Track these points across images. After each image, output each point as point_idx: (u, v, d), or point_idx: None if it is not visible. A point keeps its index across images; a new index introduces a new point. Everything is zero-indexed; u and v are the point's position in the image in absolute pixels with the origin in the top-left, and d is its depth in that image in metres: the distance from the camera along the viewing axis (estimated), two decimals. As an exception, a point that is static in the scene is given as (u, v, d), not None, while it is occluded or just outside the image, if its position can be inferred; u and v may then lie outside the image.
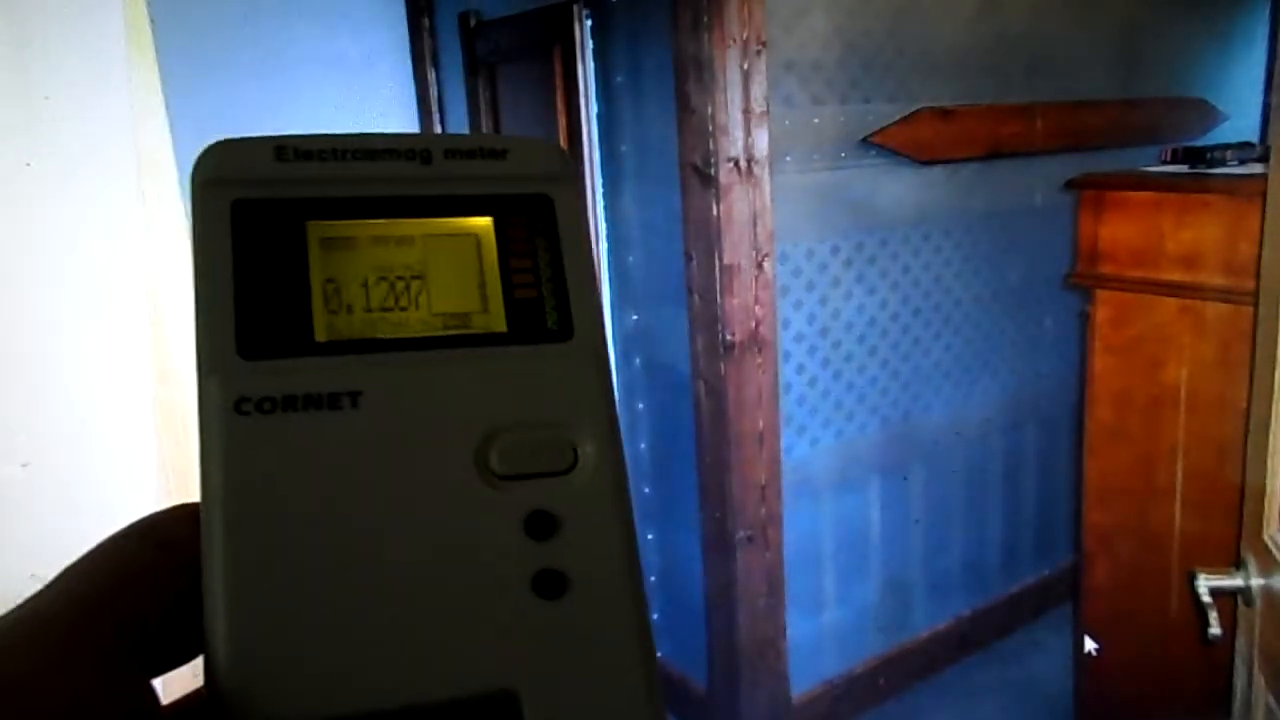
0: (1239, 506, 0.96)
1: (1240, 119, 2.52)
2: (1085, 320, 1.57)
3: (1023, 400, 2.32)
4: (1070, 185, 1.60)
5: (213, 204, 0.23)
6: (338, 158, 0.24)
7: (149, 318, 0.99)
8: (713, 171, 1.74)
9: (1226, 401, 1.34)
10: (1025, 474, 2.38)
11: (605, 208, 2.05)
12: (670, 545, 2.11)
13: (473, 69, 2.42)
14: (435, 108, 2.61)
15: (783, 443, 1.91)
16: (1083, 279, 1.55)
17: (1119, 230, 1.49)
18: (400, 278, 0.24)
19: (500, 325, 0.24)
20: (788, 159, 1.83)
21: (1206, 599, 0.89)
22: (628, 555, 0.23)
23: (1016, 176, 2.18)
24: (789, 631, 1.99)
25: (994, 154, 2.12)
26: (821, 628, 2.08)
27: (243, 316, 0.23)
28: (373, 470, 0.22)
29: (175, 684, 0.23)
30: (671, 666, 2.12)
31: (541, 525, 0.22)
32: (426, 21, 2.56)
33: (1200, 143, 2.12)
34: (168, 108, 1.03)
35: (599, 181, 2.04)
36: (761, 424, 1.87)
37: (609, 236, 2.07)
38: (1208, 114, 2.52)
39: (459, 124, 2.53)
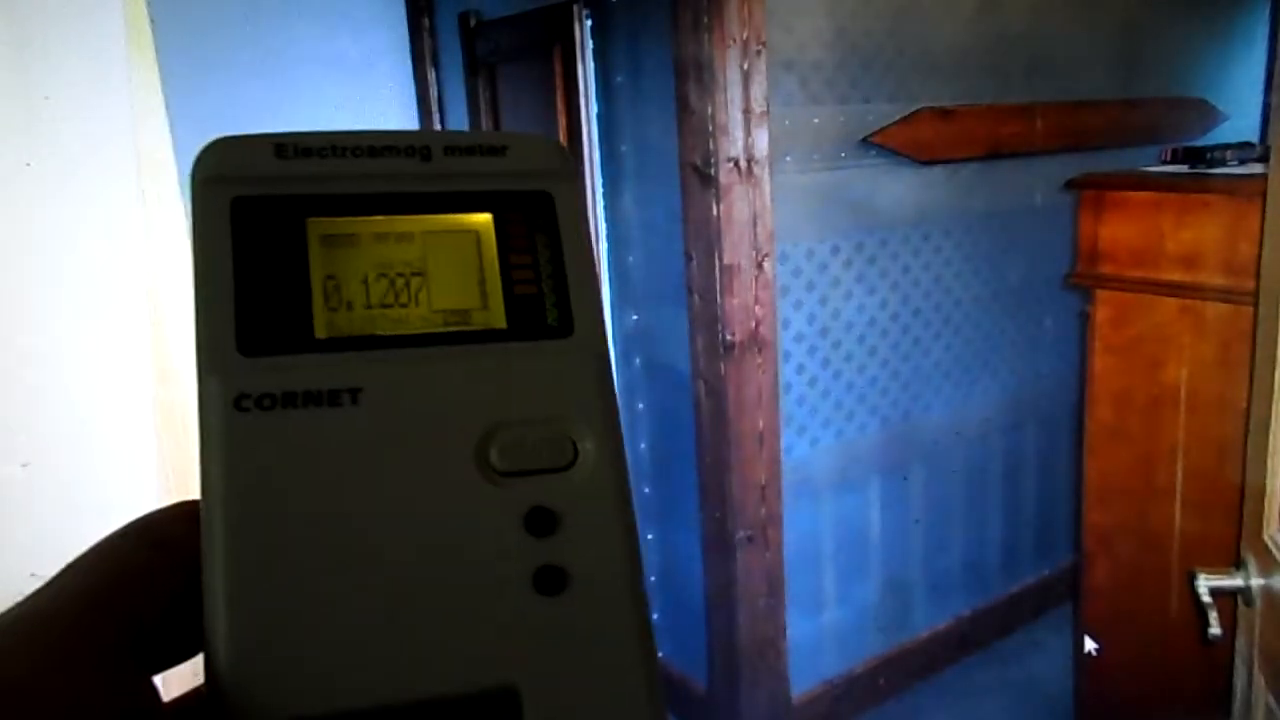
0: (1239, 506, 0.96)
1: (1240, 119, 2.52)
2: (1085, 320, 1.57)
3: (1023, 400, 2.32)
4: (1070, 185, 1.60)
5: (213, 201, 0.23)
6: (338, 154, 0.24)
7: (149, 318, 0.99)
8: (713, 171, 1.74)
9: (1226, 401, 1.34)
10: (1025, 474, 2.38)
11: (605, 208, 2.05)
12: (670, 545, 2.11)
13: (473, 69, 2.42)
14: (435, 108, 2.61)
15: (783, 443, 1.91)
16: (1083, 279, 1.55)
17: (1119, 230, 1.49)
18: (400, 274, 0.24)
19: (500, 322, 0.24)
20: (788, 159, 1.83)
21: (1206, 599, 0.89)
22: (628, 551, 0.23)
23: (1016, 176, 2.18)
24: (789, 631, 1.99)
25: (994, 154, 2.12)
26: (821, 628, 2.08)
27: (243, 313, 0.23)
28: (373, 467, 0.22)
29: (175, 682, 0.23)
30: (671, 666, 2.12)
31: (542, 521, 0.22)
32: (426, 21, 2.56)
33: (1200, 143, 2.12)
34: (168, 107, 1.03)
35: (599, 181, 2.04)
36: (761, 424, 1.87)
37: (609, 236, 2.07)
38: (1208, 114, 2.52)
39: (459, 124, 2.53)
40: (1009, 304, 2.24)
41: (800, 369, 1.94)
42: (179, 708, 0.22)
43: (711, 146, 1.74)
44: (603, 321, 0.25)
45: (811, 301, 1.92)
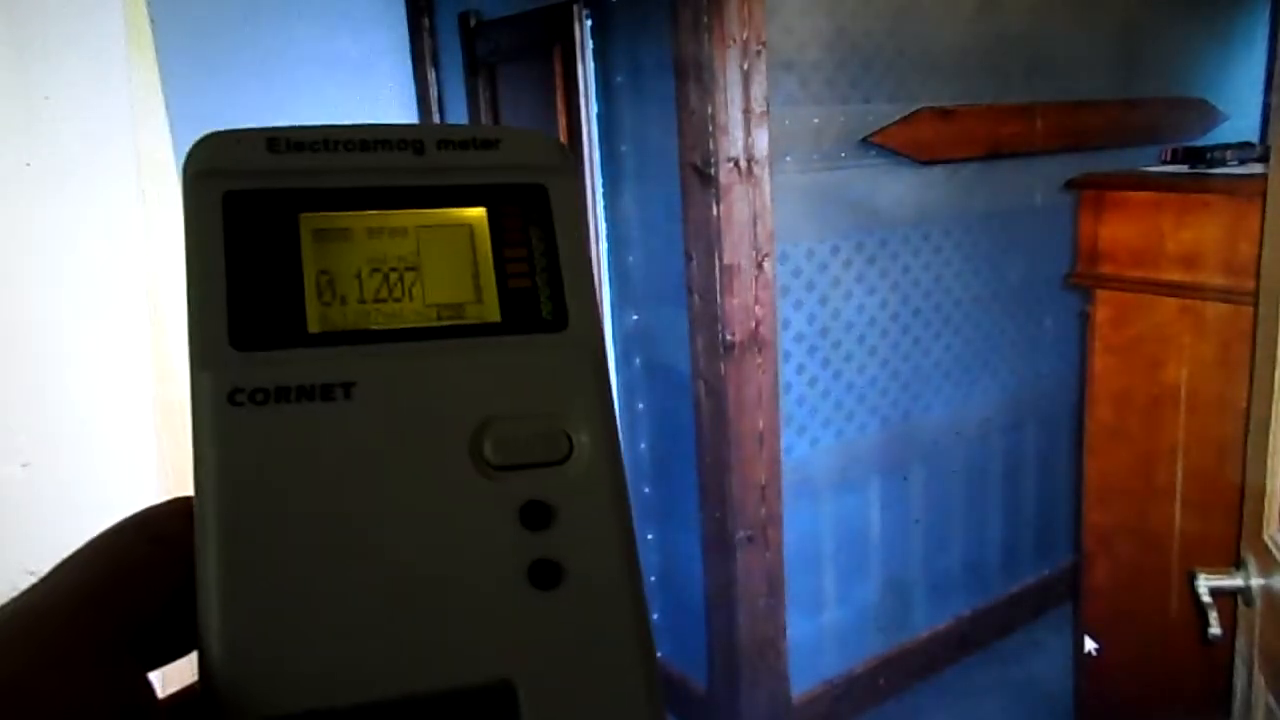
0: (1239, 506, 0.96)
1: (1240, 119, 2.52)
2: (1085, 320, 1.57)
3: (1023, 400, 2.32)
4: (1070, 185, 1.60)
5: (205, 195, 0.23)
6: (330, 149, 0.24)
7: (149, 317, 0.99)
8: (713, 171, 1.74)
9: (1226, 401, 1.34)
10: (1025, 474, 2.38)
11: (605, 207, 2.05)
12: (670, 545, 2.11)
13: (473, 69, 2.42)
14: (435, 108, 2.61)
15: (783, 443, 1.91)
16: (1083, 279, 1.55)
17: (1119, 230, 1.49)
18: (394, 269, 0.24)
19: (494, 315, 0.24)
20: (788, 159, 1.83)
21: (1206, 599, 0.89)
22: (624, 545, 0.23)
23: (1016, 176, 2.18)
24: (789, 631, 1.99)
25: (994, 154, 2.12)
26: (821, 628, 2.08)
27: (235, 308, 0.22)
28: (366, 461, 0.22)
29: (173, 679, 0.23)
30: (671, 666, 2.12)
31: (536, 515, 0.22)
32: (426, 21, 2.56)
33: (1200, 143, 2.12)
34: (168, 107, 1.03)
35: (599, 181, 2.04)
36: (761, 424, 1.87)
37: (609, 236, 2.07)
38: (1208, 114, 2.52)
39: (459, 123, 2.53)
40: (1009, 304, 2.24)
41: (800, 369, 1.94)
42: (174, 704, 0.22)
43: (711, 146, 1.74)
44: (598, 315, 0.25)
45: (811, 301, 1.92)
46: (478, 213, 0.25)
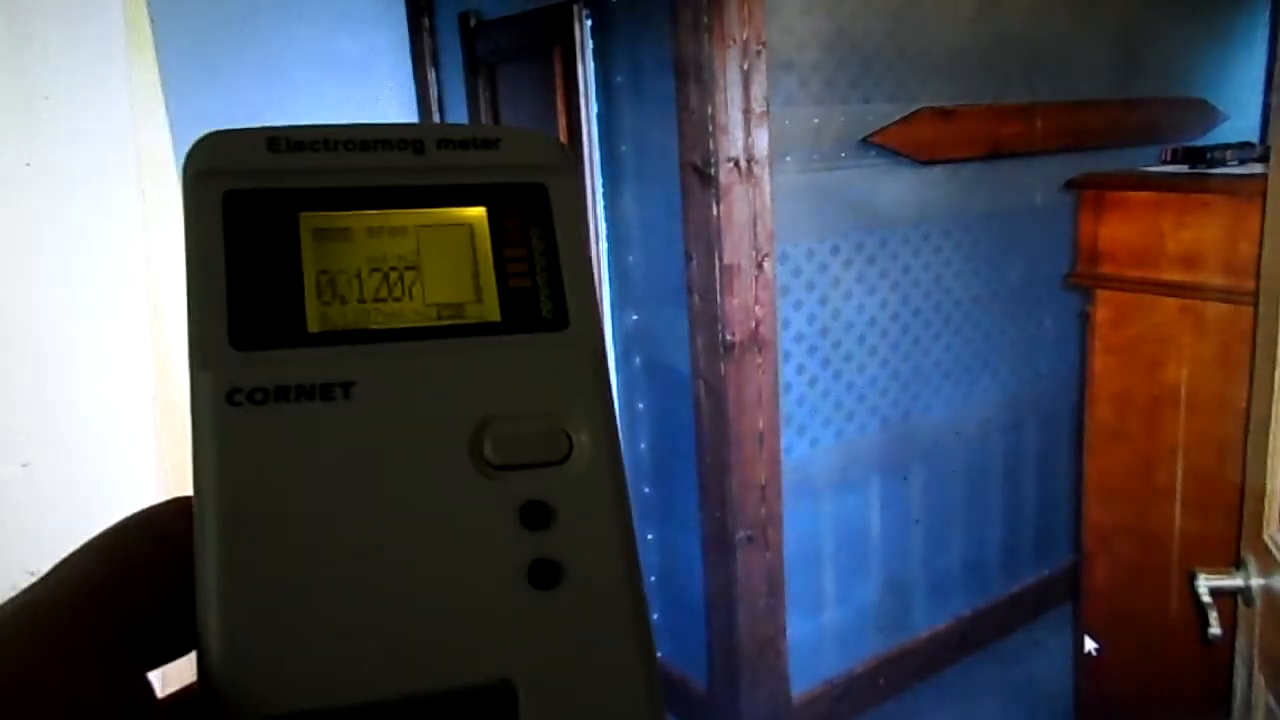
0: (1239, 506, 0.96)
1: (1240, 119, 2.52)
2: (1085, 320, 1.57)
3: (1023, 400, 2.32)
4: (1070, 185, 1.60)
5: (205, 195, 0.23)
6: (330, 149, 0.24)
7: (149, 317, 0.99)
8: (713, 171, 1.74)
9: (1226, 401, 1.34)
10: (1025, 474, 2.38)
11: (605, 207, 2.05)
12: (670, 545, 2.11)
13: (473, 69, 2.42)
14: (435, 108, 2.60)
15: (783, 443, 1.91)
16: (1083, 279, 1.55)
17: (1119, 230, 1.49)
18: (394, 268, 0.24)
19: (494, 315, 0.24)
20: (788, 159, 1.83)
21: (1206, 599, 0.89)
22: (623, 544, 0.23)
23: (1016, 176, 2.18)
24: (789, 631, 1.99)
25: (994, 154, 2.12)
26: (821, 628, 2.08)
27: (235, 308, 0.22)
28: (366, 461, 0.22)
29: (173, 679, 0.23)
30: (671, 666, 2.12)
31: (536, 515, 0.22)
32: (426, 21, 2.56)
33: (1200, 143, 2.12)
34: (168, 108, 1.03)
35: (599, 181, 2.04)
36: (761, 424, 1.87)
37: (609, 236, 2.07)
38: (1208, 114, 2.52)
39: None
40: (1009, 304, 2.24)
41: (800, 369, 1.94)
42: (174, 703, 0.22)
43: (711, 146, 1.74)
44: (598, 314, 0.25)
45: (811, 301, 1.92)
46: (478, 212, 0.25)
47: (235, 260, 0.23)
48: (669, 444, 2.07)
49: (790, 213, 1.85)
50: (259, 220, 0.23)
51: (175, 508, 0.22)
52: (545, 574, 0.22)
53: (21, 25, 0.90)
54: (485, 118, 2.41)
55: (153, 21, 1.01)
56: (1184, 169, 1.58)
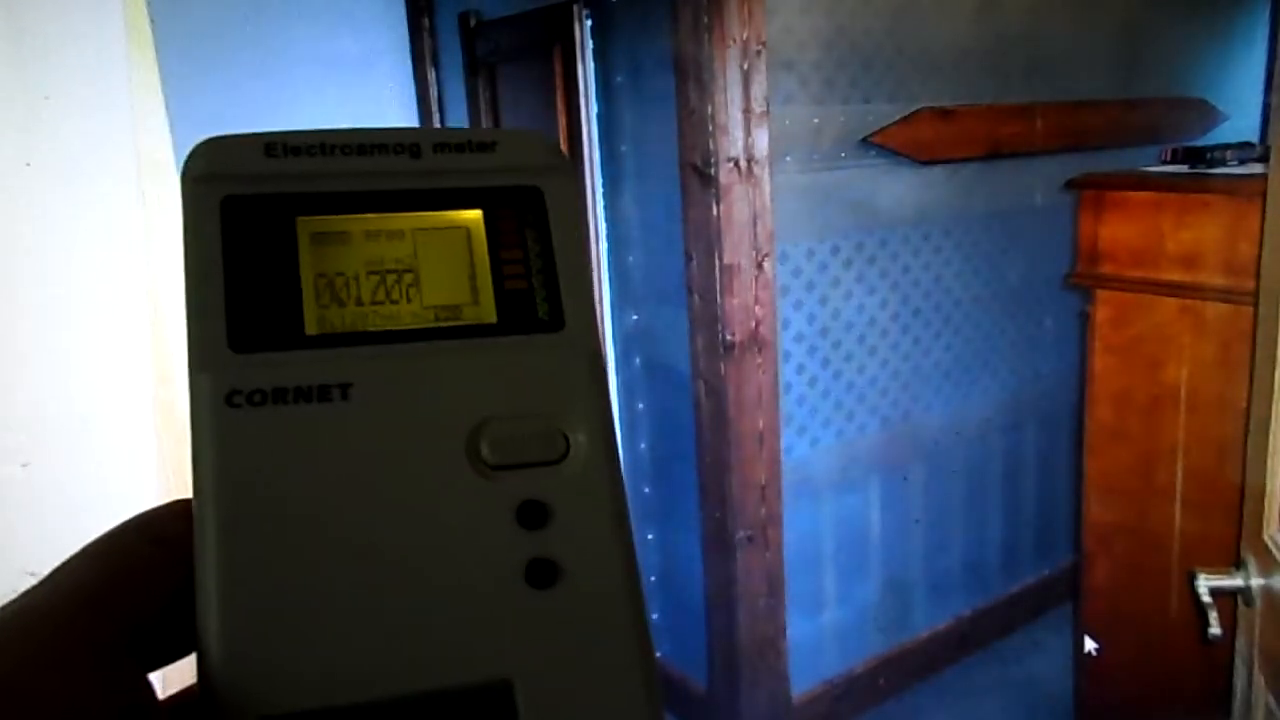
0: (1239, 506, 0.96)
1: (1240, 119, 2.52)
2: (1085, 320, 1.57)
3: (1023, 400, 2.32)
4: (1070, 185, 1.60)
5: (203, 200, 0.23)
6: (327, 153, 0.24)
7: (149, 318, 0.99)
8: (713, 171, 1.74)
9: (1226, 401, 1.34)
10: (1025, 474, 2.38)
11: (605, 208, 2.05)
12: (670, 545, 2.11)
13: (473, 69, 2.42)
14: (435, 108, 2.61)
15: (783, 443, 1.91)
16: (1083, 279, 1.55)
17: (1119, 230, 1.49)
18: (391, 271, 0.24)
19: (490, 316, 0.24)
20: (788, 159, 1.83)
21: (1206, 599, 0.89)
22: (620, 543, 0.23)
23: (1016, 176, 2.18)
24: (789, 631, 1.99)
25: (994, 154, 2.12)
26: (821, 628, 2.08)
27: (233, 311, 0.23)
28: (364, 461, 0.22)
29: (173, 680, 0.23)
30: (671, 666, 2.12)
31: (533, 515, 0.22)
32: (426, 21, 2.56)
33: (1200, 143, 2.12)
34: (168, 108, 1.03)
35: (599, 181, 2.04)
36: (761, 424, 1.87)
37: (609, 236, 2.07)
38: (1208, 114, 2.52)
39: (459, 124, 2.53)
40: (1009, 304, 2.24)
41: (800, 369, 1.94)
42: (174, 705, 0.22)
43: (711, 146, 1.74)
44: (595, 316, 0.25)
45: (811, 301, 1.92)
46: (474, 215, 0.25)
47: (234, 264, 0.23)
48: (669, 444, 2.07)
49: (790, 213, 1.85)
50: (257, 224, 0.24)
51: (175, 510, 0.22)
52: (542, 573, 0.22)
53: (21, 25, 0.90)
54: (485, 118, 2.41)
55: (153, 21, 1.01)
56: (1184, 169, 1.58)
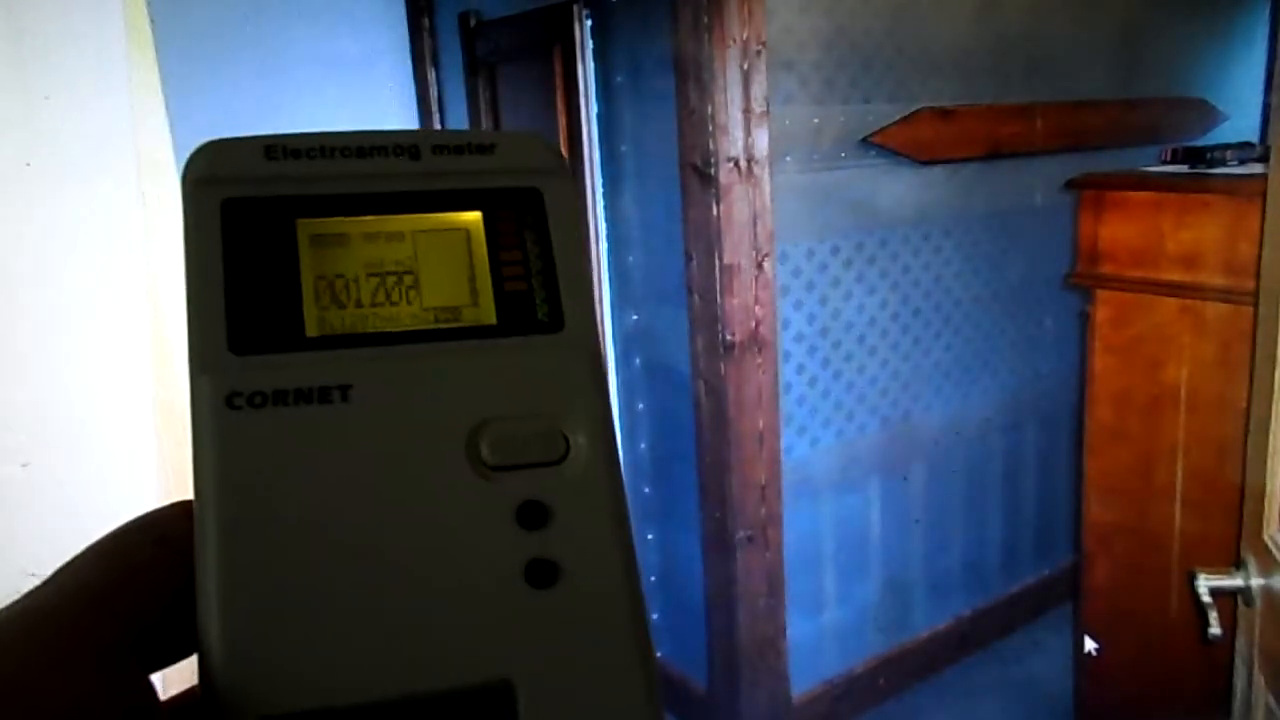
0: (1239, 506, 0.96)
1: (1240, 119, 2.52)
2: (1085, 320, 1.57)
3: (1023, 400, 2.32)
4: (1070, 185, 1.60)
5: (204, 203, 0.24)
6: (327, 155, 0.25)
7: (149, 318, 0.99)
8: (713, 171, 1.74)
9: (1226, 401, 1.34)
10: (1025, 474, 2.38)
11: (605, 208, 2.05)
12: (670, 545, 2.11)
13: (473, 69, 2.42)
14: (435, 108, 2.61)
15: (783, 443, 1.91)
16: (1083, 279, 1.55)
17: (1119, 230, 1.49)
18: (391, 273, 0.24)
19: (490, 318, 0.24)
20: (788, 159, 1.83)
21: (1206, 599, 0.89)
22: (620, 544, 0.23)
23: (1016, 176, 2.18)
24: (789, 631, 1.99)
25: (994, 154, 2.12)
26: (821, 628, 2.08)
27: (234, 313, 0.23)
28: (364, 463, 0.22)
29: (174, 684, 0.23)
30: (671, 666, 2.12)
31: (533, 515, 0.23)
32: (426, 21, 2.56)
33: (1200, 143, 2.12)
34: (168, 108, 1.03)
35: (599, 181, 2.04)
36: (761, 424, 1.87)
37: (609, 236, 2.07)
38: (1208, 114, 2.52)
39: (459, 124, 2.53)
40: (1009, 304, 2.24)
41: (800, 369, 1.94)
42: (176, 706, 0.22)
43: (711, 146, 1.74)
44: (595, 317, 0.25)
45: (811, 301, 1.92)
46: (473, 217, 0.25)
47: (234, 266, 0.23)
48: (669, 444, 2.07)
49: (790, 213, 1.85)
50: (257, 227, 0.24)
51: (177, 511, 0.22)
52: (542, 573, 0.22)
53: (21, 25, 0.90)
54: (485, 118, 2.41)
55: (153, 21, 1.01)
56: (1184, 169, 1.58)
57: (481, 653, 0.21)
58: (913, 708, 2.18)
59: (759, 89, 1.75)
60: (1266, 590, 0.88)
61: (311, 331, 0.23)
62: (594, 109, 2.00)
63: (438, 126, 2.62)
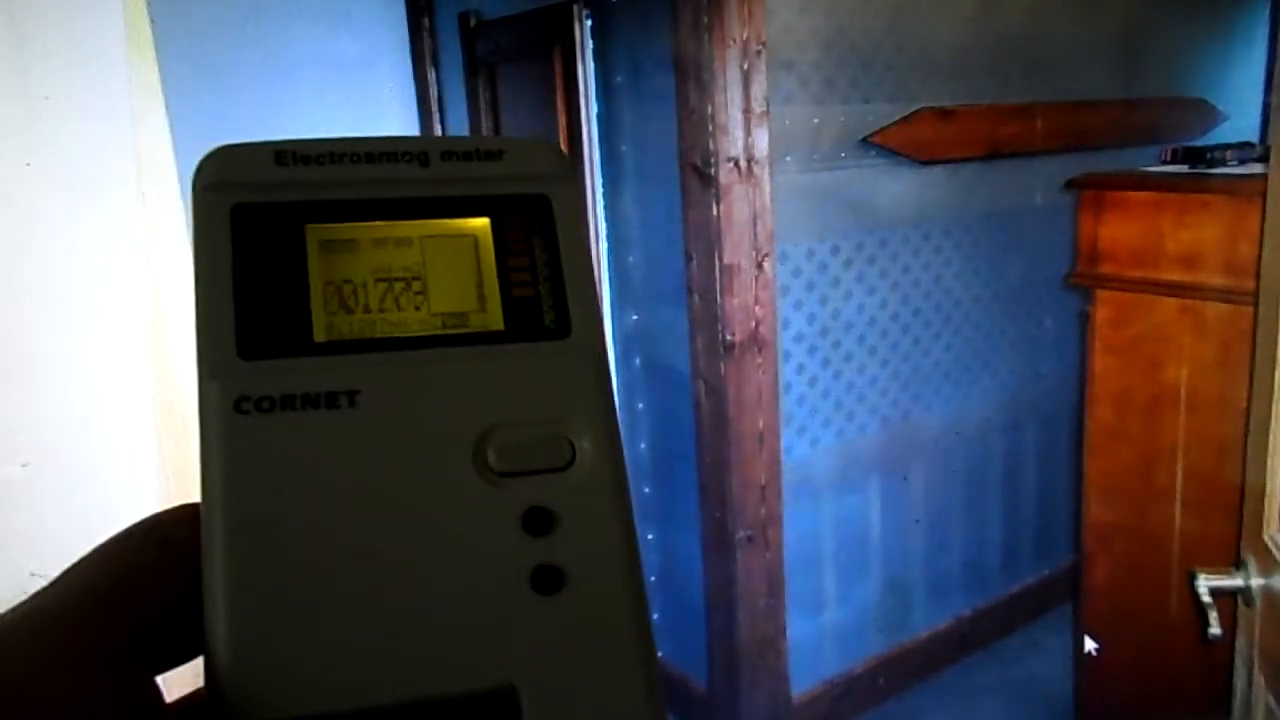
0: (1239, 506, 0.96)
1: (1240, 119, 2.52)
2: (1085, 320, 1.57)
3: (1023, 400, 2.32)
4: (1070, 185, 1.60)
5: (213, 208, 0.24)
6: (336, 161, 0.25)
7: (149, 318, 0.99)
8: (713, 171, 1.74)
9: (1226, 401, 1.34)
10: (1025, 474, 2.38)
11: (605, 208, 2.05)
12: (670, 545, 2.11)
13: (473, 69, 2.42)
14: (435, 108, 2.61)
15: (783, 443, 1.91)
16: (1083, 279, 1.55)
17: (1119, 230, 1.49)
18: (399, 279, 0.24)
19: (498, 324, 0.24)
20: (788, 159, 1.83)
21: (1206, 599, 0.89)
22: (626, 550, 0.23)
23: (1016, 176, 2.18)
24: (789, 631, 1.99)
25: (994, 154, 2.12)
26: (821, 628, 2.08)
27: (242, 318, 0.23)
28: (371, 468, 0.22)
29: (175, 685, 0.23)
30: (671, 666, 2.12)
31: (539, 521, 0.23)
32: (426, 21, 2.56)
33: (1200, 143, 2.12)
34: (168, 108, 1.03)
35: (599, 181, 2.04)
36: (761, 424, 1.87)
37: (609, 236, 2.07)
38: (1208, 114, 2.52)
39: (459, 124, 2.53)
40: (1009, 304, 2.24)
41: (800, 369, 1.94)
42: (181, 708, 0.22)
43: (711, 146, 1.74)
44: (600, 323, 0.25)
45: (811, 301, 1.92)
46: (481, 223, 0.25)
47: (243, 271, 0.23)
48: (669, 444, 2.07)
49: (790, 213, 1.85)
50: (266, 232, 0.24)
51: (181, 514, 0.22)
52: (548, 580, 0.22)
53: (21, 25, 0.90)
54: (485, 118, 2.41)
55: (153, 21, 1.01)
56: (1184, 169, 1.58)
57: (486, 658, 0.21)
58: (913, 708, 2.18)
59: (759, 89, 1.75)
60: (1266, 590, 0.88)
61: (320, 337, 0.23)
62: (594, 109, 2.00)
63: (438, 126, 2.62)
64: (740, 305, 1.80)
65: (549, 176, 0.26)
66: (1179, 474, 1.44)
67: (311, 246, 0.24)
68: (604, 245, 2.07)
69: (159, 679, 0.21)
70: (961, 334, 2.17)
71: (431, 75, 2.59)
